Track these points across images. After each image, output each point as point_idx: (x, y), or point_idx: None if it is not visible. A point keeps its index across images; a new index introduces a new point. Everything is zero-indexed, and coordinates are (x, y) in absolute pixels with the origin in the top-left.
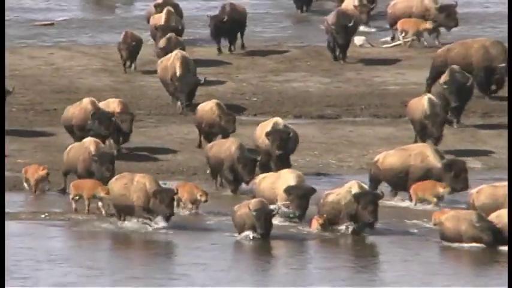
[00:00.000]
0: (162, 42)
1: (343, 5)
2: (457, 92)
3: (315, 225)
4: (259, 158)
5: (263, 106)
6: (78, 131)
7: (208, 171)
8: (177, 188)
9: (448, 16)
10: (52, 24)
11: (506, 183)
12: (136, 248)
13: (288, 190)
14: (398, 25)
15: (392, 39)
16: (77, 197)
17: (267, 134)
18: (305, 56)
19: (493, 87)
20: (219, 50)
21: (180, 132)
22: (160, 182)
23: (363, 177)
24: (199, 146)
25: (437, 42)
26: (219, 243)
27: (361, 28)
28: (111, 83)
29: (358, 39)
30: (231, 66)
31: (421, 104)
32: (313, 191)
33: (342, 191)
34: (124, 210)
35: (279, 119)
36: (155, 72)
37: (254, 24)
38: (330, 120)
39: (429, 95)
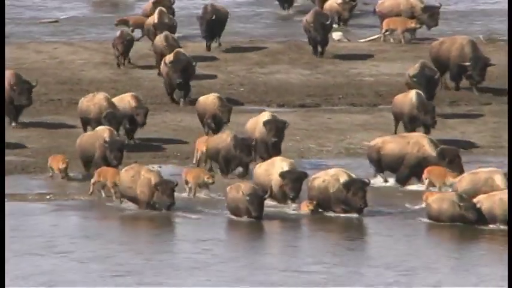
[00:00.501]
0: (159, 40)
1: (328, 3)
2: (426, 84)
3: (305, 208)
4: (253, 143)
5: (249, 96)
6: (95, 124)
7: (194, 162)
8: (185, 174)
9: (431, 16)
10: (56, 21)
11: (484, 169)
12: (156, 225)
13: (283, 174)
14: (384, 24)
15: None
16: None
17: (265, 123)
18: (287, 50)
19: (474, 81)
20: (209, 47)
21: (174, 120)
22: (156, 166)
23: (341, 160)
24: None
25: (410, 36)
26: (225, 221)
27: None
28: (110, 75)
29: (336, 35)
30: (220, 60)
31: (408, 98)
32: (305, 175)
33: (328, 178)
34: (130, 200)
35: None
36: (150, 65)
37: (241, 21)
38: (310, 108)
39: (415, 90)
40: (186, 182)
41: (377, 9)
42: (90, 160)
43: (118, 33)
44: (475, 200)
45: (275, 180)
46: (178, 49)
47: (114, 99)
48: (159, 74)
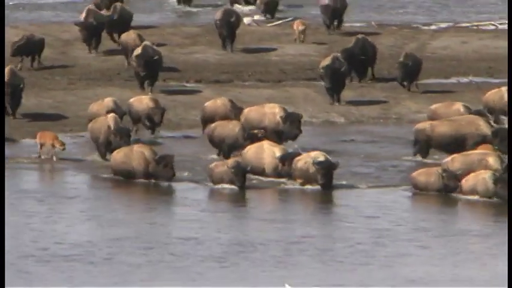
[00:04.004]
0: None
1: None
2: (331, 76)
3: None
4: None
5: (171, 72)
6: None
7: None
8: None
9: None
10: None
11: (476, 151)
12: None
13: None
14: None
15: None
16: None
17: (284, 119)
18: (205, 33)
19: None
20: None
21: (104, 94)
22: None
23: None
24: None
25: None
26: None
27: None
28: (50, 54)
29: (246, 20)
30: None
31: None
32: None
33: (308, 159)
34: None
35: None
36: (84, 47)
37: (164, 12)
38: (224, 83)
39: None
40: None
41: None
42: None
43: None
44: (464, 180)
45: (267, 164)
46: (146, 43)
47: (133, 100)
48: (129, 64)
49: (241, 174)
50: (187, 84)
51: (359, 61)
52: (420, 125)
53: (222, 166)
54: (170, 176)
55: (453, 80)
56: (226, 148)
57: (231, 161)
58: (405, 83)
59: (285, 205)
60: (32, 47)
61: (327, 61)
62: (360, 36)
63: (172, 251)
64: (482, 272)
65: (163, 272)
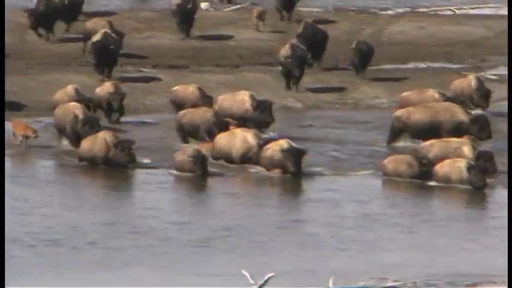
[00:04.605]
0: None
1: None
2: (298, 64)
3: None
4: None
5: (128, 58)
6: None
7: None
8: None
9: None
10: None
11: (454, 139)
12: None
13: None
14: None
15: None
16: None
17: (255, 107)
18: (161, 18)
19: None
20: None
21: (61, 79)
22: None
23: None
24: None
25: None
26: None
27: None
28: (8, 39)
29: (204, 5)
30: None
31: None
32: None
33: (275, 147)
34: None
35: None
36: (37, 34)
37: None
38: (181, 69)
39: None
40: None
41: None
42: (63, 130)
43: None
44: (439, 164)
45: (235, 150)
46: (106, 30)
47: (98, 89)
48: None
49: (200, 162)
50: (144, 70)
51: (314, 45)
52: (397, 112)
53: (182, 155)
54: (126, 162)
55: (410, 65)
56: (201, 134)
57: (190, 150)
58: (359, 70)
59: (258, 190)
60: None
61: (288, 50)
62: (308, 20)
63: (156, 236)
64: (461, 258)
65: (147, 257)
